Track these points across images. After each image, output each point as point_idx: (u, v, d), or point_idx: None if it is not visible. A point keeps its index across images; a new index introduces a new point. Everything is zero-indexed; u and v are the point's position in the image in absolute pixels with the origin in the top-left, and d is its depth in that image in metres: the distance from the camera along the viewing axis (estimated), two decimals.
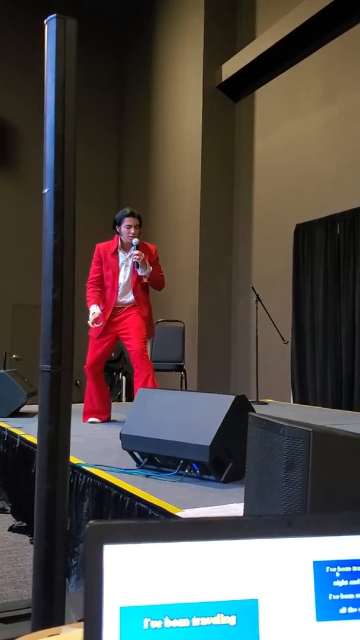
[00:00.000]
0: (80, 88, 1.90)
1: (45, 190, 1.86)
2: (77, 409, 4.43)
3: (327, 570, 0.56)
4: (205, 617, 0.54)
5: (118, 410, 5.00)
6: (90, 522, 0.55)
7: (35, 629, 1.78)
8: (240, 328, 8.46)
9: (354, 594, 0.56)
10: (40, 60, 2.00)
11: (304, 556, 0.56)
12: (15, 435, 3.98)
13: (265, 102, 8.21)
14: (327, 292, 6.83)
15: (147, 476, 2.79)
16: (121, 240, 4.66)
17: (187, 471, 2.75)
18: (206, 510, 2.27)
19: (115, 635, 0.52)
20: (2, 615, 2.53)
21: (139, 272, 4.57)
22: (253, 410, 2.54)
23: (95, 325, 4.52)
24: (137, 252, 4.52)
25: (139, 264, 4.51)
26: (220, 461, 2.67)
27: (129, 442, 2.96)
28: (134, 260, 4.51)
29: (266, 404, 6.24)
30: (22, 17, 10.14)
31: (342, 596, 0.56)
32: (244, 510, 1.95)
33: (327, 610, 0.55)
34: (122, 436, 2.96)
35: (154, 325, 4.99)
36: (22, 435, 3.89)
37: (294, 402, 7.15)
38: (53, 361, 1.84)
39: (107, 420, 4.75)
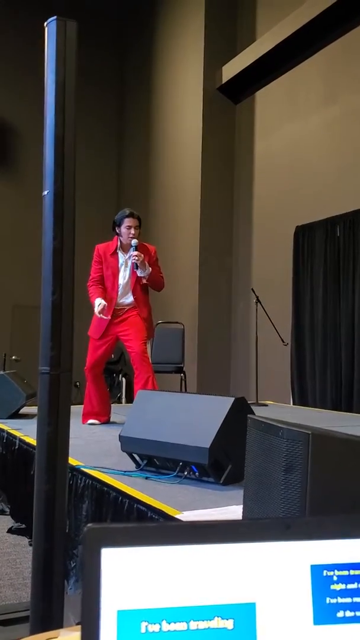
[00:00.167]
0: (80, 89, 1.90)
1: (45, 192, 1.86)
2: (76, 410, 4.43)
3: (325, 574, 0.56)
4: (203, 620, 0.54)
5: (118, 411, 5.00)
6: (89, 525, 0.55)
7: (33, 631, 1.78)
8: (240, 330, 8.46)
9: (352, 598, 0.56)
10: (40, 60, 2.01)
11: (302, 560, 0.56)
12: (15, 436, 3.97)
13: (266, 104, 8.22)
14: (327, 293, 6.83)
15: (147, 478, 2.79)
16: (121, 241, 4.66)
17: (186, 473, 2.75)
18: (205, 512, 2.27)
19: (112, 639, 0.52)
20: (1, 618, 2.53)
21: (138, 273, 4.57)
22: (252, 412, 2.53)
23: (103, 315, 4.51)
24: (136, 253, 4.52)
25: (138, 264, 4.51)
26: (220, 463, 2.67)
27: (128, 444, 2.95)
28: (133, 261, 4.52)
29: (266, 405, 6.24)
30: (22, 17, 10.16)
31: (340, 600, 0.56)
32: (243, 512, 1.95)
33: (324, 614, 0.55)
34: (121, 438, 2.96)
35: (154, 326, 4.98)
36: (21, 437, 3.89)
37: (293, 403, 7.15)
38: (52, 363, 1.84)
39: (107, 421, 4.75)
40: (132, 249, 4.56)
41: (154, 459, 2.89)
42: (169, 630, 0.53)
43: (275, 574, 0.56)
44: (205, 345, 8.53)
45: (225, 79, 8.51)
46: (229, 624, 0.54)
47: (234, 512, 2.22)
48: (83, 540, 0.54)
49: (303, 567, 0.56)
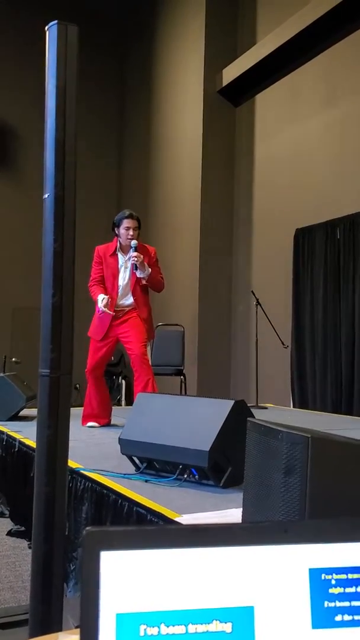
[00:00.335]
0: (80, 92, 1.90)
1: (46, 195, 1.87)
2: (76, 412, 4.43)
3: (323, 578, 0.56)
4: (202, 624, 0.54)
5: (117, 414, 5.00)
6: (88, 528, 0.55)
7: (32, 634, 1.78)
8: (240, 332, 8.46)
9: (350, 602, 0.56)
10: (41, 61, 2.01)
11: (300, 563, 0.56)
12: (14, 439, 3.98)
13: (266, 106, 8.23)
14: (327, 296, 6.83)
15: (146, 481, 2.79)
16: (120, 242, 4.67)
17: (186, 476, 2.75)
18: (205, 515, 2.27)
19: None
20: (0, 621, 2.53)
21: (138, 274, 4.57)
22: (252, 415, 2.54)
23: (107, 310, 4.51)
24: (135, 254, 4.52)
25: (138, 265, 4.51)
26: (219, 466, 2.67)
27: (127, 447, 2.95)
28: (133, 262, 4.52)
29: (266, 408, 6.24)
30: (23, 19, 10.17)
31: (338, 604, 0.56)
32: (242, 515, 1.95)
33: (322, 618, 0.55)
34: (121, 441, 2.96)
35: (154, 327, 4.98)
36: (21, 439, 3.89)
37: (293, 406, 7.15)
38: (52, 365, 1.84)
39: (107, 424, 4.75)
40: (131, 250, 4.56)
41: (154, 462, 2.89)
42: (167, 634, 0.53)
43: (274, 578, 0.56)
44: (205, 347, 8.53)
45: (225, 82, 8.52)
46: (227, 627, 0.54)
47: (233, 515, 2.22)
48: (82, 543, 0.54)
49: (301, 571, 0.56)
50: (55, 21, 1.85)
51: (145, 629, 0.53)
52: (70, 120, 1.86)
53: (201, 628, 0.54)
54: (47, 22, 1.91)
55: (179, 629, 0.53)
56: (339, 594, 0.56)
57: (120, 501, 2.53)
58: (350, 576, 0.56)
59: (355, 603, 0.56)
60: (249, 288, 7.63)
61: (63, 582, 1.88)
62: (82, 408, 4.80)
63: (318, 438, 1.62)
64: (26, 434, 3.97)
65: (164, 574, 0.54)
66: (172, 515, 2.24)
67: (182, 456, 2.71)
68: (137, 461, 2.96)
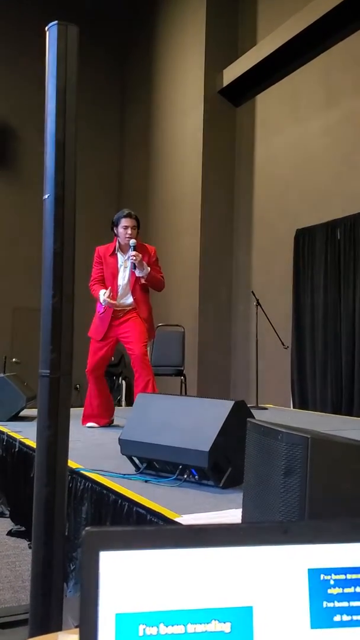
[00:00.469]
0: (81, 92, 1.90)
1: (46, 196, 1.87)
2: (76, 413, 4.43)
3: (322, 578, 0.56)
4: (200, 624, 0.54)
5: (118, 414, 4.99)
6: (87, 528, 0.55)
7: (32, 634, 1.78)
8: (240, 333, 8.47)
9: (348, 602, 0.56)
10: (41, 62, 2.01)
11: (299, 564, 0.57)
12: (15, 439, 3.98)
13: (266, 107, 8.24)
14: (327, 297, 6.83)
15: (146, 481, 2.79)
16: (119, 242, 4.67)
17: (185, 476, 2.75)
18: (204, 516, 2.27)
19: None
20: (0, 621, 2.53)
21: (137, 273, 4.57)
22: (252, 416, 2.54)
23: (111, 300, 4.50)
24: (134, 253, 4.52)
25: (136, 264, 4.51)
26: (219, 467, 2.67)
27: (127, 447, 2.95)
28: (132, 261, 4.52)
29: (266, 409, 6.24)
30: (23, 19, 10.18)
31: (337, 604, 0.56)
32: (242, 516, 1.95)
33: (321, 618, 0.55)
34: (121, 441, 2.96)
35: (155, 327, 4.97)
36: (21, 440, 3.89)
37: (293, 407, 7.15)
38: (52, 366, 1.84)
39: (109, 424, 4.75)
40: (130, 249, 4.56)
41: (154, 462, 2.89)
42: (166, 634, 0.53)
43: (273, 578, 0.56)
44: (205, 348, 8.53)
45: (226, 82, 8.53)
46: (226, 627, 0.54)
47: (233, 515, 2.22)
48: (82, 543, 0.54)
49: (300, 571, 0.56)
50: (56, 21, 1.85)
51: (144, 629, 0.53)
52: (71, 120, 1.86)
53: (200, 628, 0.54)
54: (47, 22, 1.91)
55: (178, 629, 0.53)
56: (338, 594, 0.56)
57: (120, 501, 2.53)
58: (349, 576, 0.57)
59: (354, 603, 0.56)
60: (249, 288, 7.63)
61: (63, 582, 1.88)
62: (82, 408, 4.80)
63: (318, 439, 1.62)
64: (26, 435, 3.97)
65: (164, 574, 0.54)
66: (171, 516, 2.24)
67: (182, 456, 2.71)
68: (137, 461, 2.96)
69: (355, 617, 0.56)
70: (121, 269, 4.66)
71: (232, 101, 8.77)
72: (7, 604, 2.80)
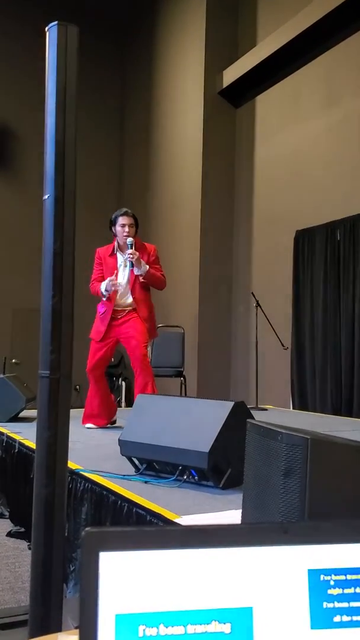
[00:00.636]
0: (80, 94, 1.90)
1: (46, 196, 1.87)
2: (76, 414, 4.43)
3: (322, 579, 0.56)
4: (200, 624, 0.54)
5: (118, 415, 4.99)
6: (87, 529, 0.55)
7: (32, 635, 1.78)
8: (240, 334, 8.47)
9: (348, 602, 0.56)
10: (41, 62, 2.01)
11: (299, 564, 0.56)
12: (14, 440, 3.98)
13: (266, 108, 8.24)
14: (327, 298, 6.83)
15: (146, 482, 2.79)
16: (118, 241, 4.67)
17: (185, 477, 2.75)
18: (204, 516, 2.27)
19: None
20: (0, 622, 2.53)
21: (135, 271, 4.57)
22: (252, 417, 2.54)
23: (115, 284, 4.51)
24: (131, 251, 4.52)
25: (134, 263, 4.51)
26: (219, 467, 2.67)
27: (127, 448, 2.96)
28: (129, 259, 4.52)
29: (265, 410, 6.24)
30: (23, 19, 10.18)
31: (337, 604, 0.56)
32: (242, 516, 1.95)
33: (321, 619, 0.55)
34: (120, 442, 2.96)
35: (156, 326, 4.95)
36: (21, 440, 3.89)
37: (293, 408, 7.15)
38: (52, 367, 1.84)
39: (111, 423, 4.75)
40: (128, 247, 4.56)
41: (154, 463, 2.89)
42: (166, 634, 0.53)
43: (273, 579, 0.56)
44: (205, 349, 8.53)
45: (226, 83, 8.53)
46: (226, 628, 0.54)
47: (232, 516, 2.22)
48: (81, 544, 0.54)
49: (300, 572, 0.56)
50: (56, 22, 1.85)
51: (144, 630, 0.53)
52: (71, 121, 1.86)
53: (200, 629, 0.54)
54: (47, 21, 1.91)
55: (178, 630, 0.53)
56: (338, 594, 0.56)
57: (119, 502, 2.53)
58: (349, 577, 0.56)
59: (354, 604, 0.56)
60: (249, 289, 7.63)
61: (62, 583, 1.88)
62: (82, 409, 4.80)
63: (317, 440, 1.62)
64: (26, 435, 3.97)
65: (164, 574, 0.54)
66: (171, 517, 2.24)
67: (182, 457, 2.71)
68: (136, 462, 2.96)
69: (355, 618, 0.56)
70: (120, 268, 4.66)
71: (232, 102, 8.78)
72: (6, 605, 2.80)
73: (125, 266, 4.62)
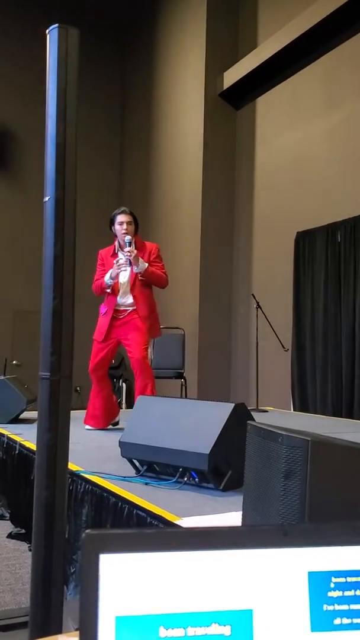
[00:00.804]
0: (81, 95, 1.91)
1: (46, 199, 1.87)
2: (77, 415, 4.43)
3: (322, 581, 0.56)
4: (200, 627, 0.54)
5: (118, 417, 4.99)
6: (87, 531, 0.55)
7: (32, 637, 1.78)
8: (241, 335, 8.46)
9: (349, 605, 0.56)
10: (41, 65, 2.02)
11: (299, 566, 0.57)
12: (15, 441, 3.98)
13: (267, 110, 8.24)
14: (328, 299, 6.83)
15: (146, 484, 2.78)
16: (119, 241, 4.69)
17: (186, 479, 2.75)
18: (204, 518, 2.27)
19: None
20: (0, 623, 2.52)
21: (134, 269, 4.58)
22: (252, 418, 2.54)
23: (122, 265, 4.52)
24: (128, 248, 4.53)
25: (132, 260, 4.52)
26: (219, 469, 2.67)
27: (128, 450, 2.96)
28: (126, 257, 4.52)
29: (266, 411, 6.24)
30: (24, 21, 10.19)
31: (337, 607, 0.56)
32: (242, 518, 1.95)
33: (321, 621, 0.55)
34: (121, 444, 2.96)
35: (159, 324, 4.91)
36: (22, 442, 3.89)
37: (294, 410, 7.15)
38: (52, 368, 1.84)
39: (113, 424, 4.74)
40: (126, 245, 4.56)
41: (154, 465, 2.89)
42: (166, 636, 0.53)
43: (273, 581, 0.56)
44: (205, 350, 8.53)
45: (226, 85, 8.53)
46: (226, 630, 0.54)
47: (233, 518, 2.22)
48: (82, 545, 0.54)
49: (301, 574, 0.56)
50: (56, 24, 1.85)
51: (144, 632, 0.53)
52: (71, 123, 1.86)
53: (200, 631, 0.54)
54: (47, 22, 1.91)
55: (178, 632, 0.53)
56: (338, 597, 0.56)
57: (120, 504, 2.53)
58: (349, 579, 0.57)
59: (354, 606, 0.56)
60: (250, 291, 7.63)
61: (63, 584, 1.88)
62: (82, 410, 4.80)
63: (318, 441, 1.62)
64: (26, 437, 3.97)
65: (164, 576, 0.54)
66: (172, 518, 2.24)
67: (182, 459, 2.71)
68: (137, 464, 2.96)
69: (355, 620, 0.56)
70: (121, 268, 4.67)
71: (232, 104, 8.78)
72: (7, 607, 2.79)
73: (127, 265, 4.61)
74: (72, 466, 2.86)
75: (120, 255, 4.66)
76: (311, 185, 7.30)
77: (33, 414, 4.44)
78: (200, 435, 2.67)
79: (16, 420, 4.83)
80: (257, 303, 6.52)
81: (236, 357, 8.61)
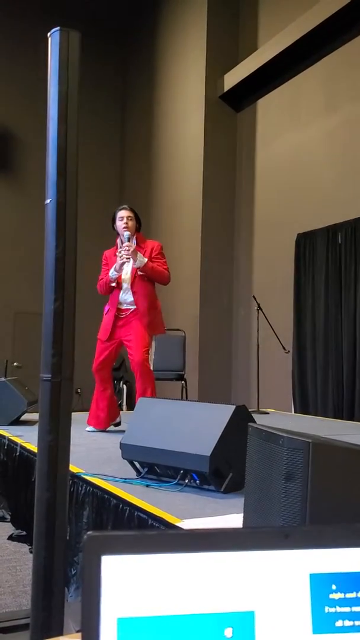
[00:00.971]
0: (82, 98, 1.91)
1: (48, 201, 1.87)
2: (77, 417, 4.43)
3: (324, 583, 0.56)
4: (202, 628, 0.54)
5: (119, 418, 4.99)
6: (89, 532, 0.55)
7: (34, 639, 1.78)
8: (241, 337, 8.46)
9: (350, 607, 0.56)
10: (42, 67, 2.02)
11: (301, 568, 0.56)
12: (16, 443, 3.97)
13: (267, 112, 8.25)
14: (329, 301, 6.83)
15: (147, 486, 2.78)
16: (121, 239, 4.70)
17: (187, 481, 2.74)
18: (206, 520, 2.27)
19: None
20: (1, 625, 2.52)
21: (133, 264, 4.59)
22: (253, 420, 2.53)
23: (128, 250, 4.52)
24: (127, 243, 4.54)
25: (130, 255, 4.52)
26: (220, 471, 2.67)
27: (129, 452, 2.95)
28: (125, 253, 4.53)
29: (267, 413, 6.23)
30: (25, 22, 10.20)
31: (339, 609, 0.56)
32: (243, 520, 1.95)
33: (323, 623, 0.55)
34: (122, 445, 2.96)
35: (162, 321, 4.89)
36: (23, 444, 3.89)
37: (295, 411, 7.14)
38: (53, 370, 1.84)
39: (115, 425, 4.74)
40: (125, 240, 4.57)
41: (155, 467, 2.89)
42: (168, 638, 0.53)
43: (275, 583, 0.56)
44: (206, 352, 8.53)
45: (227, 87, 8.54)
46: (228, 632, 0.54)
47: (234, 520, 2.22)
48: (83, 547, 0.54)
49: (302, 576, 0.56)
50: (58, 27, 1.85)
51: (146, 634, 0.53)
52: (72, 126, 1.86)
53: (202, 633, 0.54)
54: (49, 23, 1.92)
55: (180, 633, 0.53)
56: (340, 599, 0.56)
57: (121, 506, 2.53)
58: (351, 581, 0.57)
59: (356, 608, 0.56)
60: (250, 293, 7.64)
61: (64, 586, 1.88)
62: (83, 412, 4.80)
63: (319, 443, 1.62)
64: (27, 439, 3.96)
65: (165, 578, 0.54)
66: (173, 520, 2.24)
67: (183, 461, 2.71)
68: (138, 466, 2.96)
69: (357, 623, 0.56)
70: (124, 264, 4.67)
71: (233, 106, 8.79)
72: (8, 609, 2.79)
73: (128, 262, 4.61)
74: (73, 468, 2.86)
75: (120, 249, 4.68)
76: (312, 186, 7.30)
77: (34, 416, 4.44)
78: (201, 437, 2.67)
79: (17, 422, 4.83)
80: (258, 305, 6.52)
81: (237, 358, 8.61)
